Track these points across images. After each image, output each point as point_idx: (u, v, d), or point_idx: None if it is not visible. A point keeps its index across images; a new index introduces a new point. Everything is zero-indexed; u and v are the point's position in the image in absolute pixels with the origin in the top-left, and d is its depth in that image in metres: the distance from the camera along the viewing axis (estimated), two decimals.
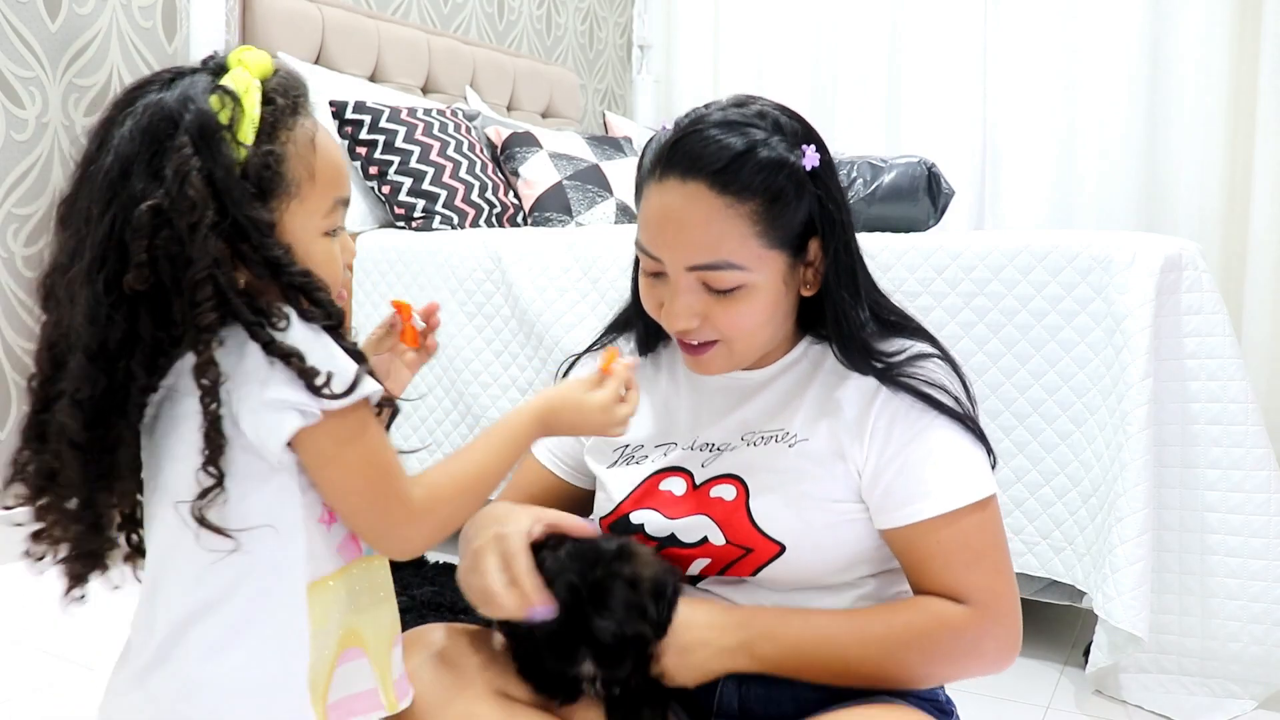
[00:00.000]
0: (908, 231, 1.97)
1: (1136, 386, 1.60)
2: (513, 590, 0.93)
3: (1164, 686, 1.68)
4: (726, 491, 1.04)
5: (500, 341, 2.24)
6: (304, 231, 0.83)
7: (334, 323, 0.81)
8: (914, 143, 3.62)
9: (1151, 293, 1.63)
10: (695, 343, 1.02)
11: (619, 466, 1.11)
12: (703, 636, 0.95)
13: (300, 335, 0.79)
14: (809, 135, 1.00)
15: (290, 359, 0.77)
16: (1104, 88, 3.39)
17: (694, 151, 0.95)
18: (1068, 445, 1.72)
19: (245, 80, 0.80)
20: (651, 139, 1.02)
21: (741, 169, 0.94)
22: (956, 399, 1.01)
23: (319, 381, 0.77)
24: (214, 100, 0.79)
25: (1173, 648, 1.67)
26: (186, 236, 0.75)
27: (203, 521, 0.77)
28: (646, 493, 1.07)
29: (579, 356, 1.21)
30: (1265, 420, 1.66)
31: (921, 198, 2.03)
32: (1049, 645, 1.90)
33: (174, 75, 0.82)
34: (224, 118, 0.79)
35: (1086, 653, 1.71)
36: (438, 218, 2.54)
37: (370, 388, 0.81)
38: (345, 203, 0.87)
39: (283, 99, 0.82)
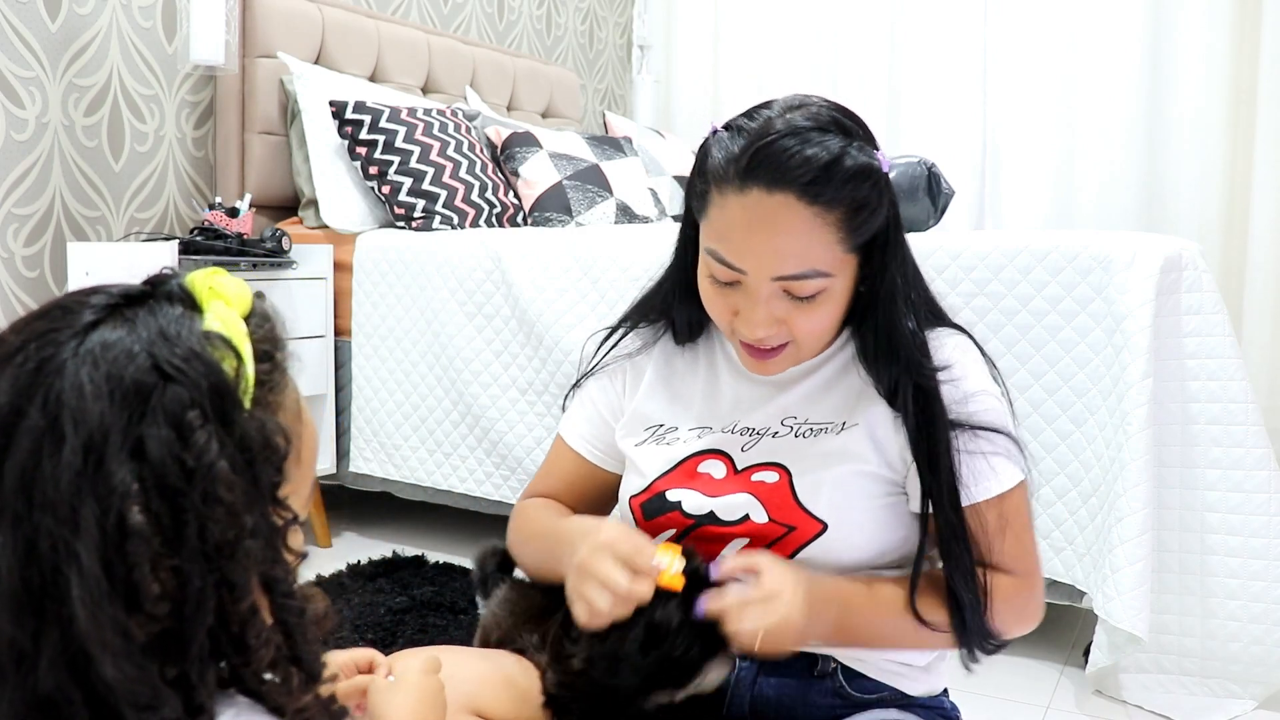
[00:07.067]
0: (908, 231, 1.97)
1: (1136, 386, 1.60)
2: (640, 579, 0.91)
3: (1164, 686, 1.68)
4: (769, 476, 1.04)
5: (500, 341, 2.24)
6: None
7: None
8: (914, 143, 3.62)
9: (1151, 293, 1.63)
10: (767, 347, 1.01)
11: (649, 445, 1.11)
12: (812, 616, 0.95)
13: None
14: (870, 136, 1.00)
15: None
16: (1104, 88, 3.39)
17: (778, 162, 0.93)
18: (1068, 445, 1.72)
19: (234, 323, 0.59)
20: (711, 144, 0.99)
21: (830, 179, 0.93)
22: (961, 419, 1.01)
23: None
24: (215, 353, 0.57)
25: (1173, 648, 1.67)
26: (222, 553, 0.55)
27: None
28: (684, 473, 1.07)
29: (612, 331, 1.18)
30: (1265, 420, 1.66)
31: (921, 198, 2.03)
32: (1049, 645, 1.90)
33: (114, 304, 0.57)
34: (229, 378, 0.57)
35: (1086, 653, 1.71)
36: (438, 218, 2.54)
37: None
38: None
39: (277, 351, 0.62)
